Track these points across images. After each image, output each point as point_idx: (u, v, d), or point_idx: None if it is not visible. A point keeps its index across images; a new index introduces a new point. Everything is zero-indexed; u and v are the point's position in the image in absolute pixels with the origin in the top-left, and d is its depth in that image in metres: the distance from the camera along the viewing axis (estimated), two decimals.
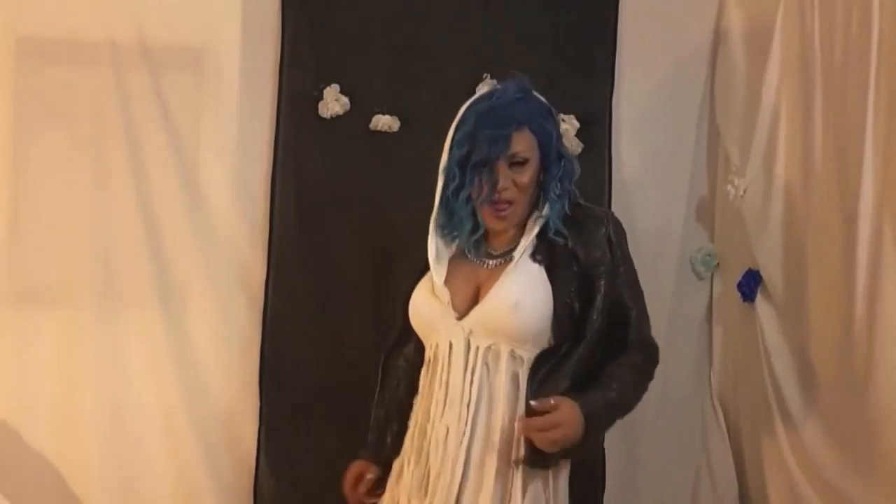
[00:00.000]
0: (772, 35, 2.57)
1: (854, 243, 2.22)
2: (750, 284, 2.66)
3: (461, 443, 1.90)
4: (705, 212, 2.92)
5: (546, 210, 1.99)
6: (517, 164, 1.95)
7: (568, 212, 2.00)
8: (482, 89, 2.67)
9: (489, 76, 2.69)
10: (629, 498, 2.85)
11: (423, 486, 1.93)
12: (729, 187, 2.68)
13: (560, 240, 1.96)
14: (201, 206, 2.77)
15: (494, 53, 2.73)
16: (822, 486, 2.33)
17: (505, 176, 1.94)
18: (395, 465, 2.06)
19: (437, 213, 2.03)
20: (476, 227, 2.01)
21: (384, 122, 2.73)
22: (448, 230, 2.05)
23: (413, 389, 2.07)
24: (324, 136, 2.74)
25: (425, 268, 2.05)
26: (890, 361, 2.13)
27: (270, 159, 2.77)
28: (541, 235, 1.98)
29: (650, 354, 2.05)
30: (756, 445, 2.66)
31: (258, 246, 2.77)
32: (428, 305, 2.01)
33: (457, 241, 2.06)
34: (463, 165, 1.95)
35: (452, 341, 1.94)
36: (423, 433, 1.96)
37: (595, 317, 1.95)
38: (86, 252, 2.72)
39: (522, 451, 1.88)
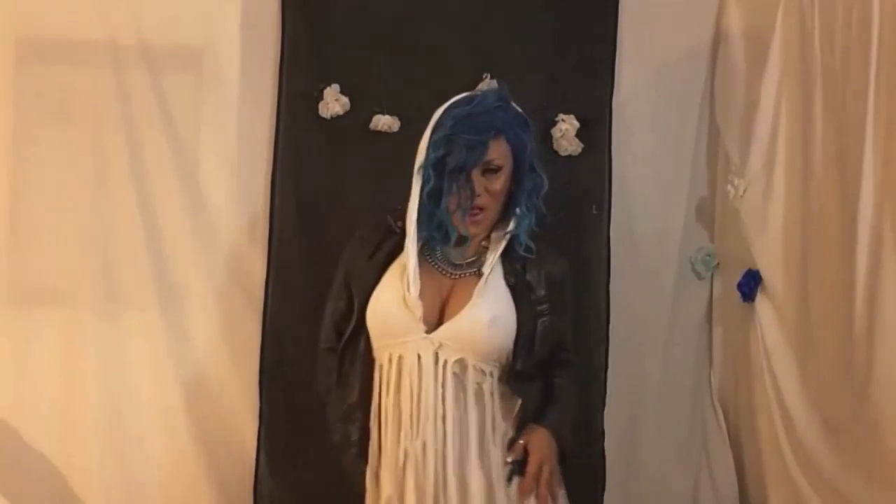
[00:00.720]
0: (772, 35, 2.57)
1: (854, 243, 2.22)
2: (750, 284, 2.66)
3: (442, 457, 1.92)
4: (705, 212, 2.93)
5: (512, 225, 2.00)
6: (491, 171, 1.96)
7: (535, 228, 2.01)
8: (482, 89, 2.69)
9: (489, 76, 2.69)
10: (629, 498, 2.85)
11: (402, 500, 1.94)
12: (729, 187, 2.68)
13: (518, 266, 2.00)
14: (201, 206, 2.77)
15: (494, 53, 2.73)
16: (822, 486, 2.34)
17: (478, 183, 1.95)
18: (368, 476, 2.05)
19: (415, 218, 1.99)
20: (448, 235, 1.99)
21: (384, 122, 2.73)
22: (422, 233, 2.00)
23: (364, 394, 2.03)
24: (324, 136, 2.74)
25: (385, 262, 2.02)
26: (890, 361, 2.13)
27: (270, 159, 2.77)
28: (505, 253, 2.00)
29: (574, 370, 2.15)
30: (756, 445, 2.66)
31: (258, 246, 2.77)
32: (397, 315, 1.97)
33: (419, 244, 2.02)
34: (438, 169, 1.95)
35: (421, 354, 1.94)
36: (396, 448, 1.95)
37: (537, 345, 2.00)
38: (86, 252, 2.72)
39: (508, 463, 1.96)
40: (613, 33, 2.83)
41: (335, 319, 2.11)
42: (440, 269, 2.01)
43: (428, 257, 2.02)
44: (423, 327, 1.95)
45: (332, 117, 2.74)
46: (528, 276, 2.01)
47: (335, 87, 2.73)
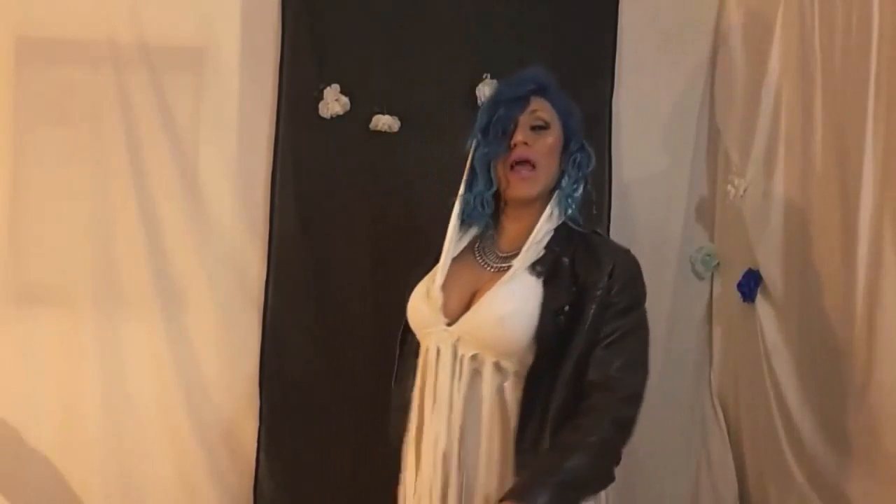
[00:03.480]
0: (772, 35, 2.57)
1: (854, 243, 2.22)
2: (750, 284, 2.66)
3: (450, 451, 1.85)
4: (705, 212, 2.92)
5: (555, 198, 1.94)
6: (539, 127, 1.95)
7: (579, 199, 1.96)
8: (482, 89, 2.69)
9: (489, 76, 2.70)
10: (629, 498, 2.85)
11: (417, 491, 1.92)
12: (729, 187, 2.68)
13: (565, 259, 1.89)
14: (201, 206, 2.77)
15: (494, 54, 2.73)
16: (822, 486, 2.34)
17: (524, 134, 1.93)
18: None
19: (460, 199, 1.98)
20: (491, 202, 1.96)
21: (384, 122, 2.73)
22: (468, 213, 1.99)
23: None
24: (324, 136, 2.74)
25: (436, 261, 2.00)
26: (890, 361, 2.13)
27: (270, 159, 2.77)
28: (550, 244, 1.92)
29: (621, 416, 1.85)
30: (756, 445, 2.66)
31: (258, 246, 2.77)
32: (421, 307, 1.96)
33: (471, 231, 2.01)
34: (486, 132, 1.95)
35: (441, 347, 1.89)
36: (419, 438, 1.94)
37: (578, 339, 1.83)
38: (86, 252, 2.72)
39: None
40: (613, 33, 2.83)
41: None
42: (484, 263, 1.96)
43: (478, 252, 1.99)
44: (443, 319, 1.90)
45: (332, 117, 2.74)
46: (578, 269, 1.87)
47: (335, 87, 2.73)
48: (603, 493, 1.91)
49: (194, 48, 2.78)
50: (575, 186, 1.97)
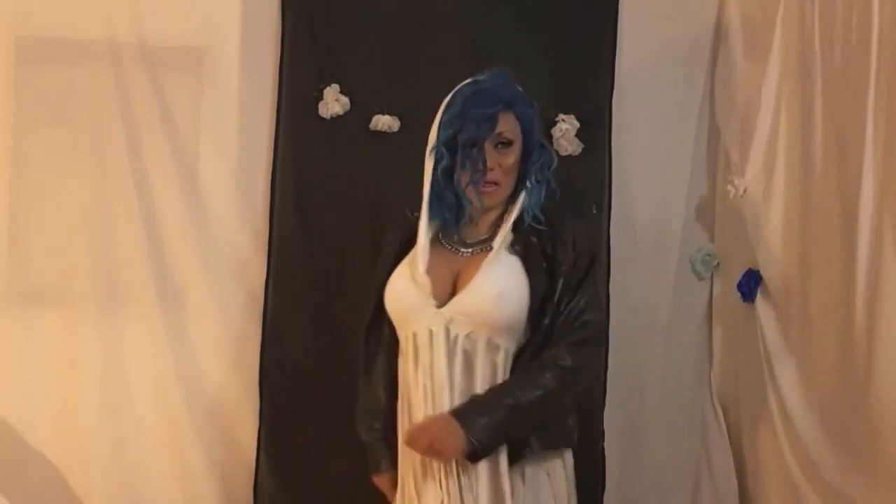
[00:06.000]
0: (772, 35, 2.57)
1: (854, 243, 2.22)
2: (750, 284, 2.66)
3: None
4: (705, 212, 2.93)
5: (523, 199, 2.03)
6: (503, 144, 2.00)
7: (544, 200, 2.03)
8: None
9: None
10: (629, 498, 2.85)
11: (424, 471, 1.96)
12: (729, 187, 2.68)
13: (533, 238, 2.00)
14: (201, 207, 2.77)
15: (494, 54, 2.72)
16: (822, 486, 2.33)
17: (491, 157, 1.98)
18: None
19: (429, 198, 2.03)
20: (462, 209, 2.02)
21: (384, 122, 2.73)
22: (436, 213, 2.04)
23: (391, 386, 2.07)
24: (324, 136, 2.74)
25: (399, 253, 2.07)
26: (890, 361, 2.13)
27: (270, 159, 2.77)
28: (516, 227, 2.01)
29: (565, 366, 1.94)
30: (756, 445, 2.66)
31: (258, 246, 2.77)
32: (407, 292, 2.01)
33: (434, 226, 2.07)
34: (451, 146, 1.99)
35: (432, 329, 1.96)
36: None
37: (548, 315, 1.95)
38: (86, 252, 2.72)
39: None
40: (613, 33, 2.83)
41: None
42: (454, 250, 2.04)
43: (444, 241, 2.05)
44: (433, 302, 1.97)
45: (332, 117, 2.74)
46: (546, 247, 1.99)
47: (335, 87, 2.73)
48: (562, 462, 2.01)
49: (194, 48, 2.78)
50: (541, 187, 2.04)
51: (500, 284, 1.95)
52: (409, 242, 2.07)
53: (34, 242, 2.72)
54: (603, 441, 2.74)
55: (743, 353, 2.75)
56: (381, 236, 2.62)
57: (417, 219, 2.04)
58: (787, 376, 2.50)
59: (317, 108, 2.74)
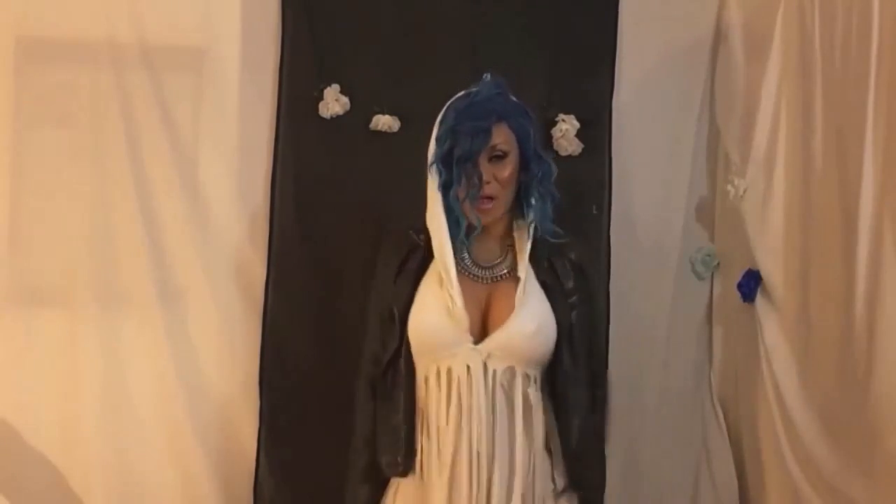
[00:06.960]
0: (772, 35, 2.57)
1: (854, 243, 2.22)
2: (750, 284, 2.66)
3: (492, 467, 1.93)
4: (705, 212, 2.93)
5: (531, 216, 2.03)
6: (497, 157, 1.99)
7: (551, 214, 2.04)
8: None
9: (489, 76, 2.69)
10: (629, 497, 2.85)
11: None
12: (729, 187, 2.68)
13: (545, 263, 2.02)
14: (201, 206, 2.76)
15: (494, 53, 2.73)
16: (822, 486, 2.34)
17: (486, 170, 1.98)
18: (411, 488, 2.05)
19: (447, 223, 2.00)
20: (469, 225, 2.01)
21: (384, 122, 2.73)
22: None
23: (410, 417, 2.04)
24: (324, 136, 2.74)
25: (398, 270, 2.06)
26: (890, 361, 2.13)
27: (270, 159, 2.76)
28: (531, 251, 2.02)
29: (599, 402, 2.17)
30: (756, 445, 2.66)
31: (258, 246, 2.77)
32: (444, 330, 1.99)
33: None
34: (446, 162, 1.98)
35: (470, 365, 1.96)
36: (447, 460, 1.96)
37: (577, 340, 2.03)
38: (86, 252, 2.71)
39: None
40: (613, 33, 2.83)
41: (369, 366, 2.13)
42: (472, 276, 2.03)
43: (457, 264, 2.02)
44: (470, 338, 1.97)
45: (332, 117, 2.73)
46: (557, 269, 2.03)
47: (335, 87, 2.73)
48: None
49: (194, 48, 2.78)
50: (546, 201, 2.04)
51: (535, 319, 1.98)
52: (418, 262, 2.05)
53: (34, 242, 2.71)
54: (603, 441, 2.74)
55: (743, 353, 2.75)
56: (380, 237, 2.63)
57: (421, 240, 2.03)
58: (786, 376, 2.50)
59: (317, 109, 2.73)
